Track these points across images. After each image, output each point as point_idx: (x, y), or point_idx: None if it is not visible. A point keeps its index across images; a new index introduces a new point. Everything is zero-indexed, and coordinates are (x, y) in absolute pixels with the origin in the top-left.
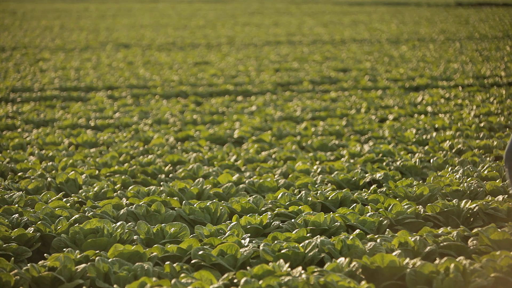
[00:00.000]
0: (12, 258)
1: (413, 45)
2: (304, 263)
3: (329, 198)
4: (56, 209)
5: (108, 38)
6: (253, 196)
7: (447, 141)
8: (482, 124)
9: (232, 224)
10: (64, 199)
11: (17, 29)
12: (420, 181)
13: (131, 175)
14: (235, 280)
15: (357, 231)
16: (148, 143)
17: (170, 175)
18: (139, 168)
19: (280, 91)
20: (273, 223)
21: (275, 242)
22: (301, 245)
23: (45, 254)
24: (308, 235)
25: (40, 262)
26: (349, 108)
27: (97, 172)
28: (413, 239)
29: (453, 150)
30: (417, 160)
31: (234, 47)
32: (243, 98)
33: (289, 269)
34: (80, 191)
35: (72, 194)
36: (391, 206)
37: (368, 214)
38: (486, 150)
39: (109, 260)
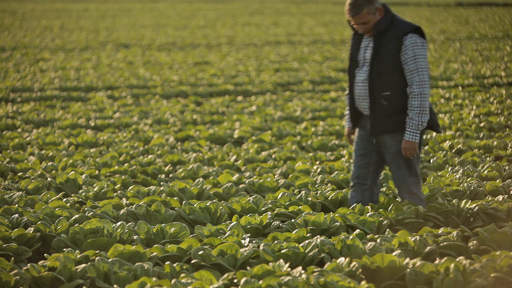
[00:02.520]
0: (12, 258)
1: None
2: (304, 263)
3: (329, 198)
4: (56, 209)
5: (108, 38)
6: (253, 196)
7: (447, 141)
8: (482, 124)
9: (232, 224)
10: (64, 199)
11: (17, 29)
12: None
13: (131, 175)
14: (235, 280)
15: (357, 231)
16: (148, 143)
17: (170, 175)
18: (139, 168)
19: (280, 91)
20: (273, 223)
21: (275, 242)
22: (301, 245)
23: (45, 254)
24: (308, 235)
25: (40, 262)
26: None
27: (97, 172)
28: (413, 239)
29: (453, 150)
30: None
31: (234, 47)
32: (243, 98)
33: (289, 269)
34: (80, 191)
35: (72, 194)
36: (391, 206)
37: (368, 214)
38: (486, 150)
39: (109, 260)
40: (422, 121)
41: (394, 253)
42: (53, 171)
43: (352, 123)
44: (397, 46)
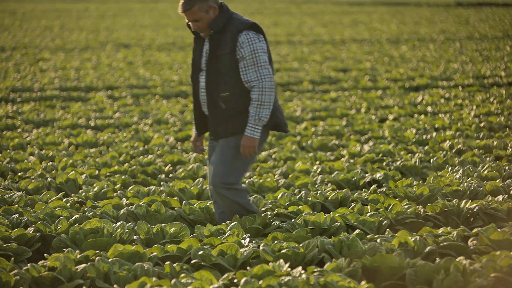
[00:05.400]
0: (12, 258)
1: (413, 45)
2: (304, 263)
3: (329, 198)
4: (56, 209)
5: (108, 38)
6: (253, 196)
7: (447, 141)
8: (482, 124)
9: (232, 224)
10: (64, 199)
11: (17, 29)
12: (420, 181)
13: (131, 175)
14: (235, 280)
15: (357, 231)
16: (148, 143)
17: (170, 175)
18: (139, 168)
19: (280, 91)
20: (273, 223)
21: (275, 242)
22: (301, 245)
23: (45, 254)
24: (308, 235)
25: (40, 262)
26: (349, 108)
27: (97, 172)
28: (413, 239)
29: (453, 150)
30: (417, 160)
31: None
32: None
33: (289, 269)
34: (80, 191)
35: (72, 194)
36: (391, 206)
37: (368, 214)
38: (486, 150)
39: (109, 260)
40: (260, 115)
41: (394, 253)
42: (53, 171)
43: (198, 130)
44: (233, 45)
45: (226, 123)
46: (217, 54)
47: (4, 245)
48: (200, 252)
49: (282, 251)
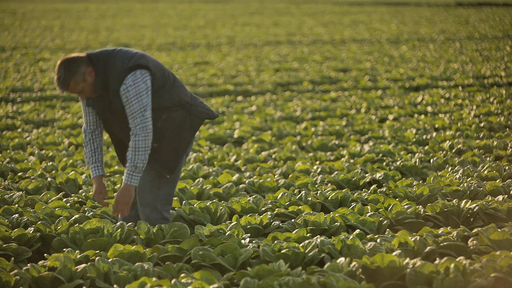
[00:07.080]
0: (12, 258)
1: (413, 45)
2: (304, 263)
3: (329, 198)
4: (56, 209)
5: (108, 38)
6: (253, 196)
7: (447, 141)
8: (482, 124)
9: (232, 224)
10: (64, 199)
11: (17, 29)
12: (420, 181)
13: None
14: (235, 280)
15: (357, 231)
16: None
17: None
18: None
19: (280, 91)
20: (273, 223)
21: (275, 242)
22: (301, 245)
23: (45, 254)
24: (308, 235)
25: (40, 262)
26: (349, 108)
27: None
28: (413, 239)
29: (453, 150)
30: (417, 160)
31: (234, 47)
32: (243, 98)
33: (289, 269)
34: (80, 191)
35: (72, 194)
36: (391, 206)
37: (368, 214)
38: (486, 150)
39: (109, 260)
40: (136, 162)
41: (394, 253)
42: (53, 171)
43: (122, 161)
44: (120, 100)
45: (155, 163)
46: (114, 111)
47: (4, 245)
48: (200, 252)
49: (282, 251)
